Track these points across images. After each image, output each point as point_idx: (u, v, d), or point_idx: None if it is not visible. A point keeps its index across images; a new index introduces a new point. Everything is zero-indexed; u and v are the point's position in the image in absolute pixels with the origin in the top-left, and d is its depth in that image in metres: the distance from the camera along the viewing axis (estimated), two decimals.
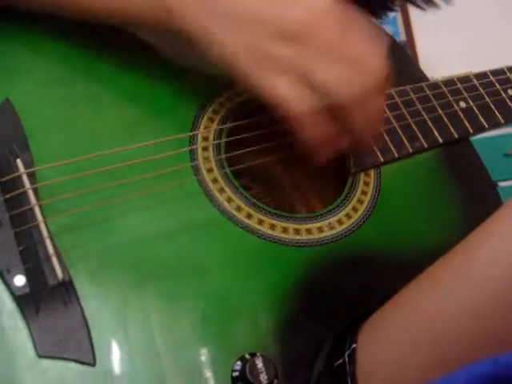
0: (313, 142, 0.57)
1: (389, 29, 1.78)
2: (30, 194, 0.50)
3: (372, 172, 0.64)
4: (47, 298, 0.47)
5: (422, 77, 0.73)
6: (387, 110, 0.65)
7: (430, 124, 0.67)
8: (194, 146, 0.57)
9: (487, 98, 0.71)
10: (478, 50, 1.64)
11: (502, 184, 1.53)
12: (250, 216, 0.56)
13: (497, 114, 0.70)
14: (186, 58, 0.58)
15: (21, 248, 0.48)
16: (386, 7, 0.90)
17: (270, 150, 0.62)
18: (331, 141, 0.58)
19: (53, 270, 0.48)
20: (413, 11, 1.45)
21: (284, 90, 0.53)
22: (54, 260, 0.48)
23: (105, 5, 0.55)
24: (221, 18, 0.52)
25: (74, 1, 0.56)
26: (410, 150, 0.65)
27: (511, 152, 1.59)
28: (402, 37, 1.82)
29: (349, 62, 0.54)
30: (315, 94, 0.54)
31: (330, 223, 0.59)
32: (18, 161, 0.51)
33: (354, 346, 0.53)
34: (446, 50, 1.69)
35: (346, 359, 0.53)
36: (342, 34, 0.54)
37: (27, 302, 0.47)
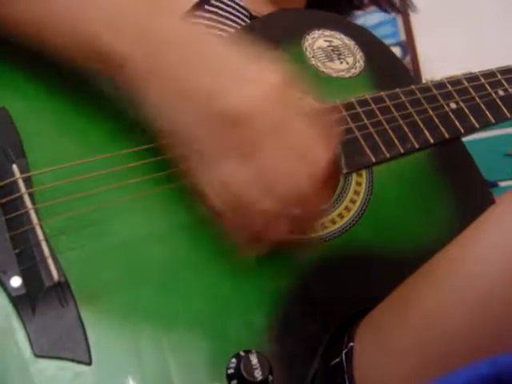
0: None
1: (389, 29, 1.78)
2: (26, 198, 0.51)
3: (364, 172, 0.65)
4: (43, 299, 0.48)
5: (412, 81, 0.74)
6: (378, 112, 0.66)
7: (420, 125, 0.67)
8: None
9: (478, 100, 0.71)
10: (478, 49, 1.64)
11: (502, 184, 1.52)
12: None
13: (487, 114, 0.70)
14: None
15: (17, 251, 0.49)
16: (354, 6, 0.90)
17: None
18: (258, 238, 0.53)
19: (48, 271, 0.48)
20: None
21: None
22: (50, 262, 0.49)
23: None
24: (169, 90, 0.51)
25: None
26: (401, 151, 0.66)
27: (511, 152, 1.59)
28: (402, 37, 1.81)
29: (294, 151, 0.50)
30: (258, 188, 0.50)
31: (323, 223, 0.60)
32: (14, 166, 0.52)
33: (352, 344, 0.54)
34: (446, 50, 1.69)
35: (343, 358, 0.53)
36: (286, 118, 0.50)
37: (23, 303, 0.48)
